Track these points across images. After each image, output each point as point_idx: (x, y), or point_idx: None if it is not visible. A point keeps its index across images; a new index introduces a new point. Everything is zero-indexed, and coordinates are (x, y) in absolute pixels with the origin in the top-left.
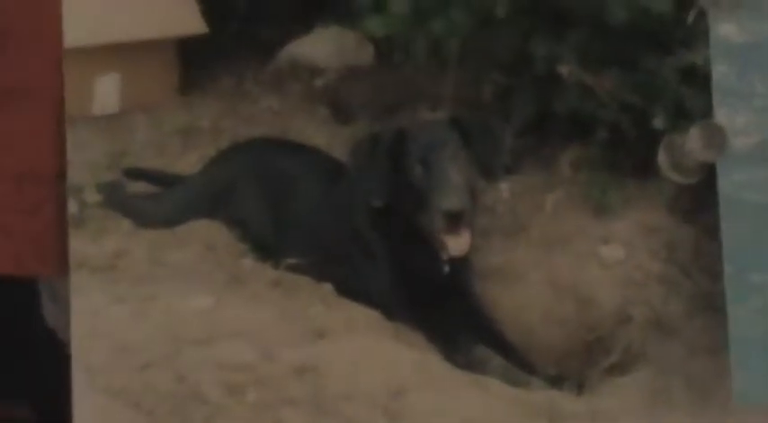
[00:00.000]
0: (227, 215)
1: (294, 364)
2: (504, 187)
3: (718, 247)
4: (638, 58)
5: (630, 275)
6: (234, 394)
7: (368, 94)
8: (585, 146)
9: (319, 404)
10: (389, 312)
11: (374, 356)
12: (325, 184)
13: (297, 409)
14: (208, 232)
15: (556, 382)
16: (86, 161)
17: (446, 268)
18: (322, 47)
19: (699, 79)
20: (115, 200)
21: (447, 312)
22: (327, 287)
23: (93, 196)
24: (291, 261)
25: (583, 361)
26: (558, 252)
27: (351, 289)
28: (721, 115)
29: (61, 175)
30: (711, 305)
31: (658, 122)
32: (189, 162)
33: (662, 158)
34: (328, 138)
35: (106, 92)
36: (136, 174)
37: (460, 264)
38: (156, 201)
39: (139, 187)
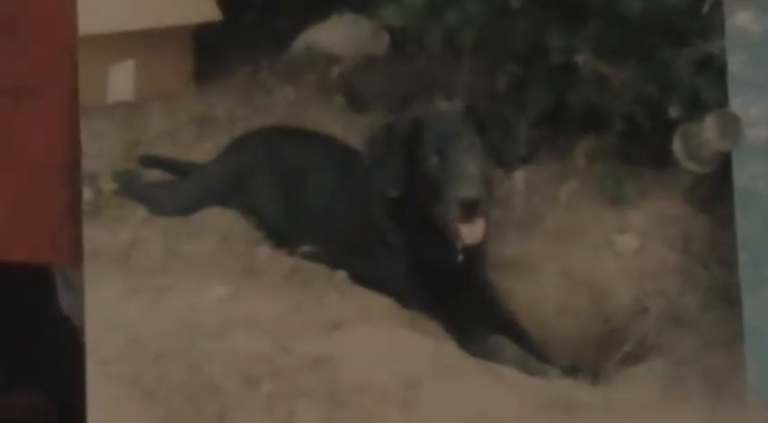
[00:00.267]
0: (242, 203)
1: (309, 355)
2: (519, 177)
3: (735, 238)
4: (653, 49)
5: (646, 266)
6: (248, 385)
7: (383, 84)
8: (601, 136)
9: (334, 395)
10: (404, 301)
11: (389, 346)
12: (340, 172)
13: (311, 401)
14: (222, 221)
15: (571, 372)
16: (101, 150)
17: (460, 257)
18: (337, 35)
19: (714, 69)
20: (130, 188)
21: (462, 301)
22: (342, 275)
23: (108, 184)
24: (306, 249)
25: (597, 352)
26: (573, 243)
27: (365, 277)
28: (737, 106)
29: (75, 163)
30: (727, 297)
31: (674, 112)
32: (204, 151)
33: (677, 148)
34: (344, 127)
35: (120, 80)
36: (151, 162)
37: (475, 253)
38: (170, 189)
39: (155, 175)
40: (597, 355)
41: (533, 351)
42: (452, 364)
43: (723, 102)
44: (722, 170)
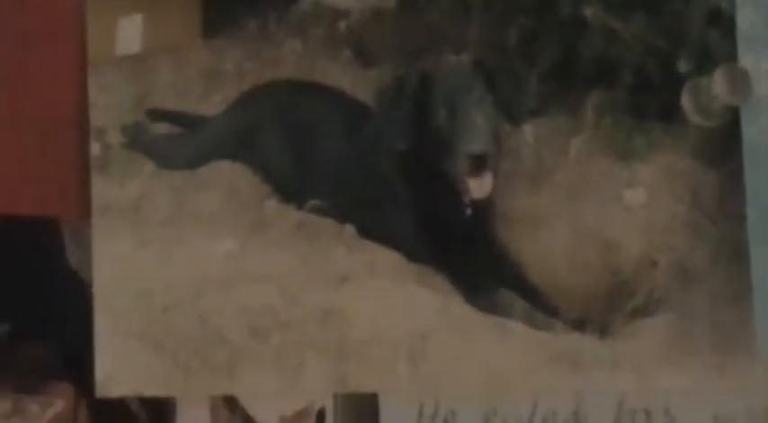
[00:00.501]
0: (250, 157)
1: (317, 308)
2: (529, 131)
3: (743, 192)
4: (662, 2)
5: (655, 220)
6: (257, 337)
7: (392, 38)
8: (610, 90)
9: (342, 348)
10: (412, 255)
11: (397, 300)
12: (348, 126)
13: (320, 353)
14: (231, 174)
15: (578, 325)
16: (109, 103)
17: (468, 211)
18: None
19: (724, 23)
20: (138, 141)
21: (470, 256)
22: (350, 229)
23: (116, 138)
24: (314, 203)
25: (606, 305)
26: (583, 196)
27: (373, 231)
28: (746, 60)
29: (84, 117)
30: (736, 251)
31: (683, 66)
32: (212, 104)
33: (686, 102)
34: (352, 81)
35: (128, 34)
36: (159, 115)
37: (483, 207)
38: (178, 142)
39: (163, 129)
40: (605, 308)
41: (541, 305)
42: (460, 318)
43: (733, 56)
44: (731, 125)
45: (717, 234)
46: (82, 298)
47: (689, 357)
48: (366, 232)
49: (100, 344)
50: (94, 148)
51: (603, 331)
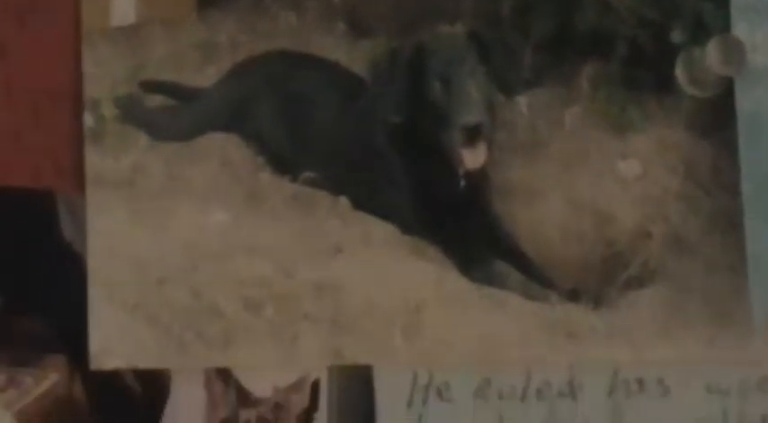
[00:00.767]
0: (244, 129)
1: (312, 279)
2: (523, 102)
3: (738, 163)
4: None
5: (649, 192)
6: (251, 310)
7: (386, 9)
8: (604, 62)
9: (337, 319)
10: (406, 227)
11: (392, 272)
12: (343, 98)
13: (314, 325)
14: (225, 146)
15: (573, 296)
16: (103, 75)
17: (463, 183)
18: None
19: None
20: (132, 113)
21: (465, 227)
22: (344, 201)
23: (110, 110)
24: (308, 175)
25: (600, 276)
26: (577, 168)
27: (368, 203)
28: (740, 30)
29: (78, 89)
30: (730, 222)
31: (677, 37)
32: (206, 76)
33: (680, 73)
34: (347, 52)
35: (123, 5)
36: (153, 87)
37: (478, 179)
38: (172, 114)
39: (157, 101)
40: (600, 279)
41: (535, 276)
42: (455, 290)
43: (727, 27)
44: (725, 96)
45: (711, 205)
46: (76, 270)
47: (683, 328)
48: (360, 204)
49: (94, 316)
50: (88, 120)
51: (598, 302)
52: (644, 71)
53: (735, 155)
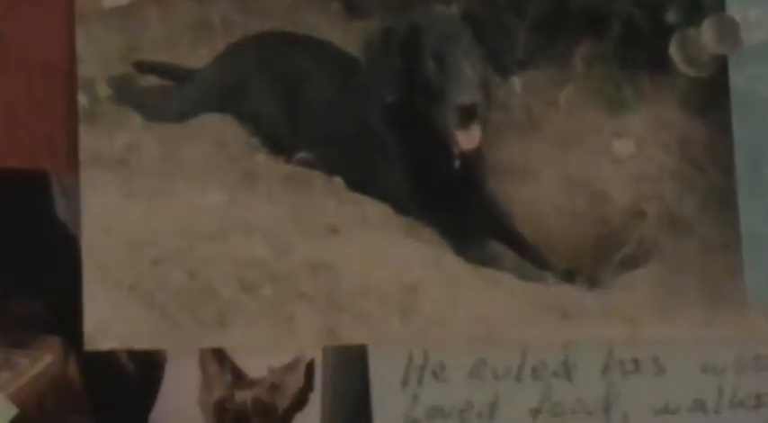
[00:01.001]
0: (239, 109)
1: (307, 260)
2: (517, 82)
3: (732, 141)
4: None
5: (643, 170)
6: (247, 290)
7: None
8: (599, 41)
9: (333, 299)
10: (401, 207)
11: (387, 252)
12: (337, 78)
13: (310, 305)
14: (219, 127)
15: (568, 276)
16: (97, 55)
17: (457, 163)
18: None
19: None
20: (126, 94)
21: (460, 207)
22: (339, 181)
23: (104, 90)
24: (303, 156)
25: (595, 256)
26: (572, 147)
27: (362, 184)
28: (734, 9)
29: (72, 69)
30: (725, 200)
31: (671, 17)
32: (200, 56)
33: (675, 52)
34: (341, 32)
35: None
36: (147, 67)
37: (472, 159)
38: (167, 95)
39: (151, 81)
40: (594, 259)
41: (530, 256)
42: (450, 271)
43: (721, 6)
44: (719, 75)
45: (705, 183)
46: (71, 251)
47: (678, 307)
48: (355, 184)
49: (88, 297)
50: (82, 101)
51: (593, 282)
52: (638, 51)
53: (729, 134)
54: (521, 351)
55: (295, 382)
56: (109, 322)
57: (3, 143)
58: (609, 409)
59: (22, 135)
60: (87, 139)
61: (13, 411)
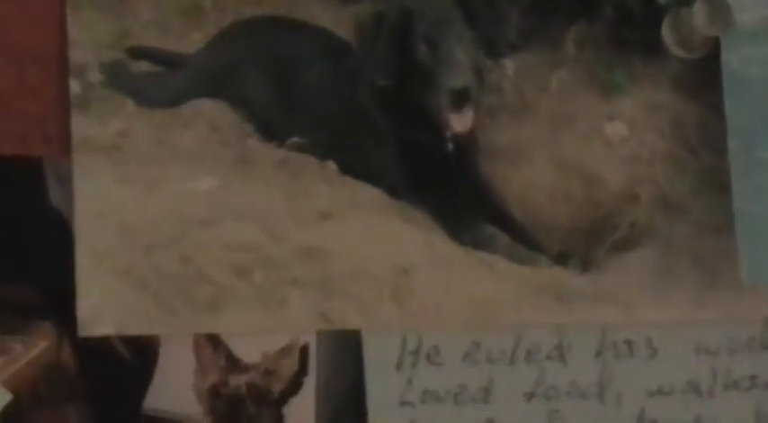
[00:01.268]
0: (231, 94)
1: (300, 244)
2: (510, 65)
3: (724, 123)
4: None
5: (636, 153)
6: (240, 275)
7: None
8: (591, 23)
9: (326, 284)
10: (394, 191)
11: (380, 236)
12: (329, 63)
13: (303, 290)
14: (212, 112)
15: (561, 259)
16: (89, 40)
17: (450, 146)
18: None
19: None
20: (119, 79)
21: (453, 191)
22: (331, 166)
23: (96, 76)
24: (295, 140)
25: (588, 238)
26: (564, 130)
27: (355, 167)
28: None
29: (64, 54)
30: (718, 182)
31: None
32: (192, 41)
33: (667, 34)
34: (333, 17)
35: None
36: (139, 53)
37: (465, 142)
38: (159, 80)
39: (143, 67)
40: (588, 242)
41: (524, 240)
42: (443, 254)
43: None
44: (712, 56)
45: (698, 166)
46: (64, 237)
47: (671, 289)
48: (348, 169)
49: (82, 283)
50: (74, 86)
51: (586, 265)
52: (631, 33)
53: (722, 116)
54: (515, 334)
55: (289, 366)
56: (103, 308)
57: None
58: (603, 391)
59: (14, 121)
60: (80, 126)
61: (7, 397)
